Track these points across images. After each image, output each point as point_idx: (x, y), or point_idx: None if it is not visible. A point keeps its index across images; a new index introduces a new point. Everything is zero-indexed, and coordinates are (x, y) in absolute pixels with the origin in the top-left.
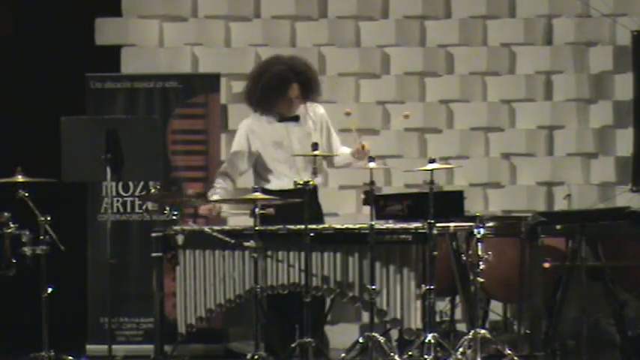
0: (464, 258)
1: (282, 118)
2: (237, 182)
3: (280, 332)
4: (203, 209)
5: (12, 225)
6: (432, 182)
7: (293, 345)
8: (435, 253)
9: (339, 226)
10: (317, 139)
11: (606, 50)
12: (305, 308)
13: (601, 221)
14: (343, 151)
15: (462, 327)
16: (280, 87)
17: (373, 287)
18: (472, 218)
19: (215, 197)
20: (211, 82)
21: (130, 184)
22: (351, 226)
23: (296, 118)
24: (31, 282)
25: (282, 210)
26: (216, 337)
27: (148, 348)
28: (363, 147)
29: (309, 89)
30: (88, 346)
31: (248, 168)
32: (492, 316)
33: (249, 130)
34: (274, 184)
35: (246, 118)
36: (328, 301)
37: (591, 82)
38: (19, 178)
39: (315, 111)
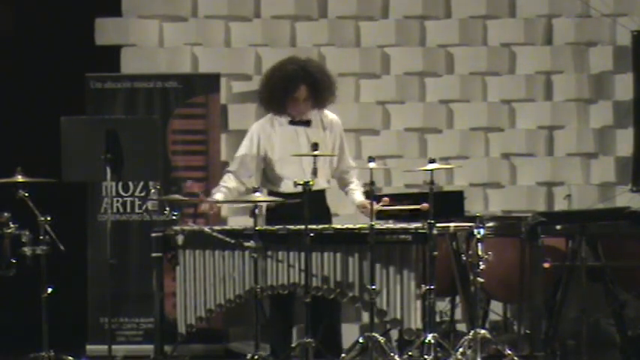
0: (464, 258)
1: (293, 122)
2: (246, 184)
3: (282, 332)
4: (202, 208)
5: (12, 225)
6: (432, 182)
7: (293, 345)
8: (435, 253)
9: (339, 226)
10: (327, 145)
11: (606, 50)
12: (306, 308)
13: (601, 221)
14: (355, 181)
15: (462, 327)
16: (288, 87)
17: (373, 287)
18: (472, 218)
19: (218, 196)
20: (211, 82)
21: (130, 184)
22: (351, 226)
23: (307, 123)
24: (31, 282)
25: (291, 212)
26: (216, 337)
27: (148, 348)
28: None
29: (318, 92)
30: (88, 346)
31: (256, 170)
32: (492, 316)
33: (260, 131)
34: (283, 187)
35: (258, 120)
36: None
37: (591, 82)
38: (19, 178)
39: (330, 119)
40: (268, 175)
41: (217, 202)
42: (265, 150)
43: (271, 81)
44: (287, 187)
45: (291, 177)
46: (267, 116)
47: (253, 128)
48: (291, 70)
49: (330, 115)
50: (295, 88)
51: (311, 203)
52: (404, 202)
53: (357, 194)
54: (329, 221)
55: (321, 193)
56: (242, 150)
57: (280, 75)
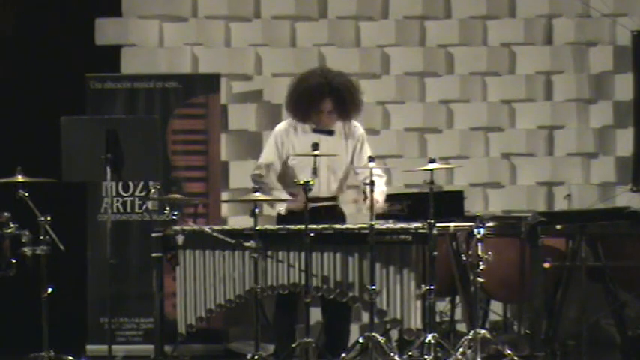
0: (464, 258)
1: (317, 130)
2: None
3: (286, 332)
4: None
5: (12, 225)
6: (432, 182)
7: (294, 345)
8: (435, 253)
9: (339, 226)
10: (348, 154)
11: (606, 50)
12: (305, 308)
13: (601, 221)
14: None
15: (462, 327)
16: (313, 100)
17: (373, 287)
18: (472, 218)
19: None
20: (211, 82)
21: (130, 184)
22: (351, 226)
23: (330, 132)
24: (31, 282)
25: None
26: (216, 337)
27: (148, 348)
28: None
29: (343, 106)
30: (88, 346)
31: (280, 170)
32: (492, 316)
33: (283, 136)
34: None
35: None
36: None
37: (591, 82)
38: (19, 178)
39: (352, 129)
40: (287, 180)
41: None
42: (288, 155)
43: (297, 92)
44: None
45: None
46: (289, 120)
47: (275, 133)
48: (317, 84)
49: (354, 124)
50: (320, 102)
51: (327, 209)
52: (404, 201)
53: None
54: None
55: (335, 199)
56: (268, 157)
57: (306, 86)
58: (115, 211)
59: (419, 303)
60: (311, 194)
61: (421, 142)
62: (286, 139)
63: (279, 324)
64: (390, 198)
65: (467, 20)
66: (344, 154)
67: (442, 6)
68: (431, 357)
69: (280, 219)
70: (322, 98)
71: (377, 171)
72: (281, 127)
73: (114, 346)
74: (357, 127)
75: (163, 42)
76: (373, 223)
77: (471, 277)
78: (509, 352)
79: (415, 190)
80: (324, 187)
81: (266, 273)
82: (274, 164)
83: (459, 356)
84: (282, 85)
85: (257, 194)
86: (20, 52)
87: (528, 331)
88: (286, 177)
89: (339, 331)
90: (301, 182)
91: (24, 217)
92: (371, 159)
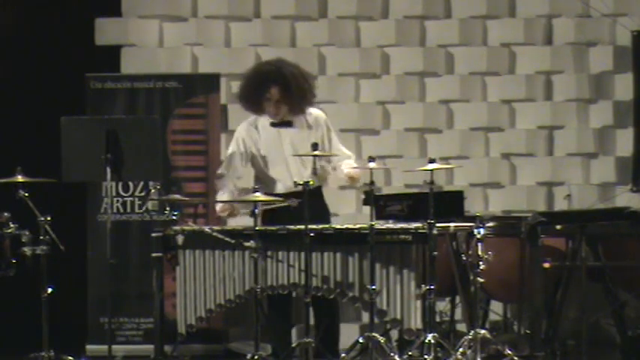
0: (464, 258)
1: (274, 123)
2: (237, 185)
3: (282, 332)
4: (221, 210)
5: (12, 225)
6: (432, 182)
7: (293, 345)
8: (435, 253)
9: (339, 226)
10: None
11: (606, 50)
12: (305, 308)
13: (601, 221)
14: (346, 163)
15: (462, 327)
16: (260, 87)
17: (373, 287)
18: (472, 218)
19: (226, 196)
20: (211, 82)
21: (130, 184)
22: (351, 226)
23: (289, 124)
24: (31, 282)
25: (286, 211)
26: (216, 337)
27: (148, 348)
28: (352, 177)
29: (290, 98)
30: (88, 346)
31: (243, 172)
32: (492, 316)
33: (244, 134)
34: (277, 188)
35: (243, 121)
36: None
37: (591, 82)
38: (19, 178)
39: (314, 116)
40: (260, 178)
41: (222, 201)
42: (252, 152)
43: (246, 80)
44: (280, 188)
45: (280, 179)
46: (251, 118)
47: (238, 130)
48: (264, 71)
49: (314, 111)
50: (266, 89)
51: (309, 203)
52: (404, 201)
53: (343, 167)
54: (327, 219)
55: (318, 190)
56: (229, 152)
57: (254, 75)
58: (115, 211)
59: (419, 303)
60: (286, 190)
61: (421, 142)
62: (247, 137)
63: (274, 326)
64: (390, 198)
65: (467, 20)
66: (307, 143)
67: (442, 6)
68: (431, 357)
69: (266, 216)
70: (268, 86)
71: (344, 150)
72: (242, 125)
73: (114, 346)
74: (318, 114)
75: (163, 42)
76: (373, 223)
77: (471, 277)
78: (509, 352)
79: (415, 190)
80: (296, 180)
81: (266, 273)
82: (234, 161)
83: (459, 356)
84: None
85: (257, 194)
86: (20, 52)
87: (528, 331)
88: (260, 175)
89: (330, 328)
90: (301, 182)
91: (24, 217)
92: (371, 159)
